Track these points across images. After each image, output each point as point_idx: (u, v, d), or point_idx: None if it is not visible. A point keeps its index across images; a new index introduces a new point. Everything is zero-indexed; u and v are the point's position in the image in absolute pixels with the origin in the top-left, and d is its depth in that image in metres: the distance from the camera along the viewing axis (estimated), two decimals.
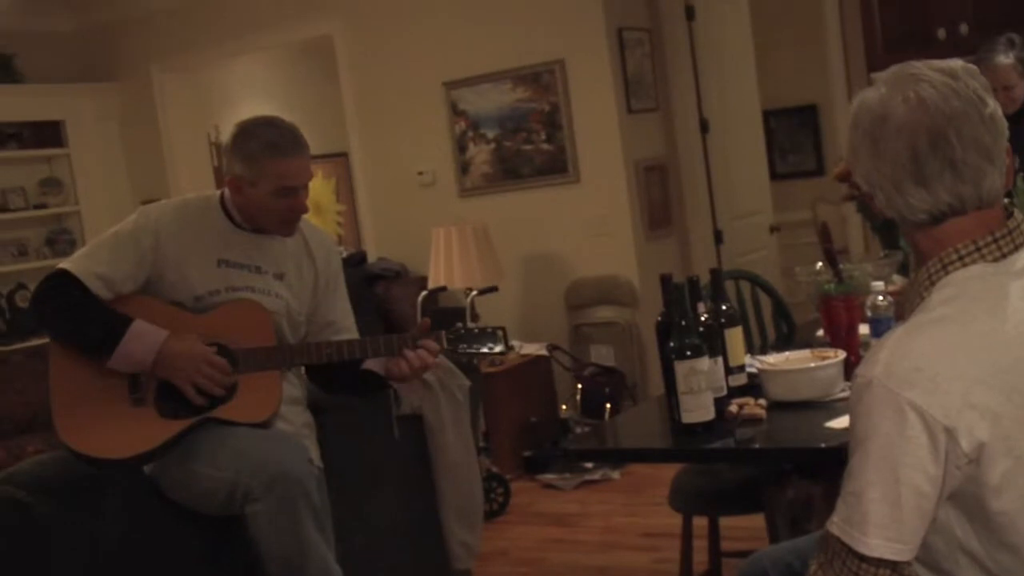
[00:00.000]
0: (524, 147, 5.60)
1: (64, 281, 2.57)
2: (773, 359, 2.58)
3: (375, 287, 5.76)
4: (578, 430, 5.11)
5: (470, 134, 5.74)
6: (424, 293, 5.28)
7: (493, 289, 5.20)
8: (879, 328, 2.56)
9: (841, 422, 2.18)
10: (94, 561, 2.49)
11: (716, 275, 2.71)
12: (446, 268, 5.20)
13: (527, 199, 5.61)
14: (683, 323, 2.36)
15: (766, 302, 3.70)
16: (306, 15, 6.14)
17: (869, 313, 2.62)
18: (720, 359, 2.50)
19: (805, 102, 7.22)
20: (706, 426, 2.35)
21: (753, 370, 2.59)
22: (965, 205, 1.45)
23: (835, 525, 1.41)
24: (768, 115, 6.88)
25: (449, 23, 5.70)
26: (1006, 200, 1.51)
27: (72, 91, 6.82)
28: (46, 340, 2.66)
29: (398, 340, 2.68)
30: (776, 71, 6.91)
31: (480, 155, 5.73)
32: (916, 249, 1.52)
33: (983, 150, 1.44)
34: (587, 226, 5.48)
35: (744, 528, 3.22)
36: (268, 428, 2.63)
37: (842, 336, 2.65)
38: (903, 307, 1.59)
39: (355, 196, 6.60)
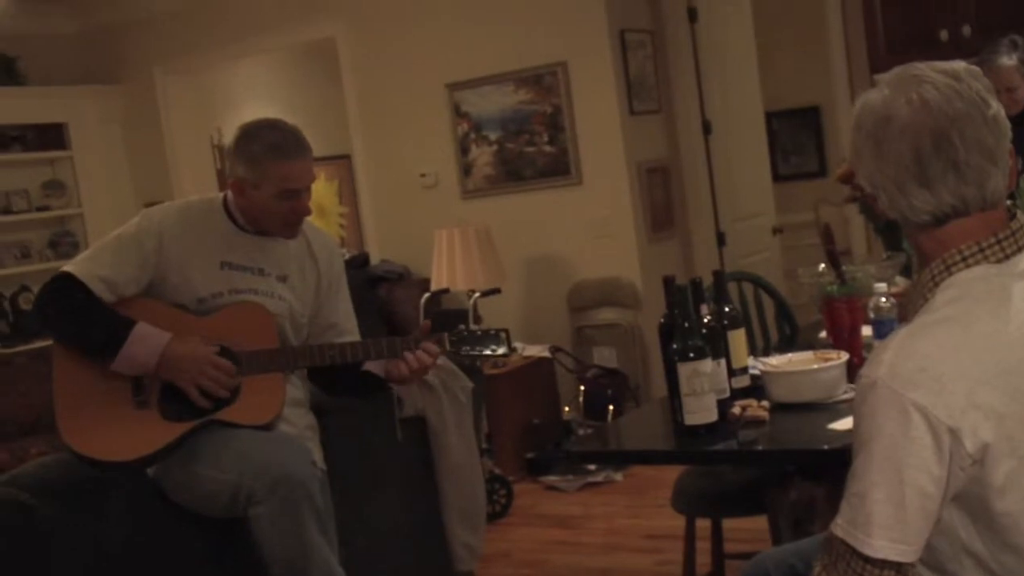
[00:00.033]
0: (526, 149, 5.60)
1: (67, 284, 2.57)
2: (776, 361, 2.58)
3: (378, 289, 5.76)
4: (581, 432, 5.11)
5: (472, 136, 5.75)
6: (427, 295, 5.28)
7: (496, 291, 5.20)
8: (882, 330, 2.56)
9: (844, 424, 2.18)
10: (97, 563, 2.50)
11: (719, 277, 2.70)
12: (449, 270, 5.20)
13: (529, 201, 5.62)
14: (686, 325, 2.36)
15: (769, 304, 3.70)
16: (309, 17, 6.15)
17: (872, 315, 2.62)
18: (723, 361, 2.49)
19: (808, 104, 7.22)
20: (709, 428, 2.34)
21: (756, 372, 2.59)
22: (968, 206, 1.45)
23: (839, 527, 1.41)
24: (771, 117, 6.89)
25: (451, 25, 5.70)
26: (1009, 202, 1.51)
27: (75, 93, 6.83)
28: (50, 342, 2.66)
29: (400, 342, 2.68)
30: (778, 73, 6.91)
31: (482, 157, 5.73)
32: (919, 250, 1.52)
33: (986, 151, 1.44)
34: (589, 228, 5.48)
35: (747, 530, 3.22)
36: (271, 430, 2.63)
37: (845, 338, 2.65)
38: (906, 308, 1.59)
39: (358, 198, 6.61)
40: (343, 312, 2.89)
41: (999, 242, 1.46)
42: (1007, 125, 1.47)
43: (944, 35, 4.48)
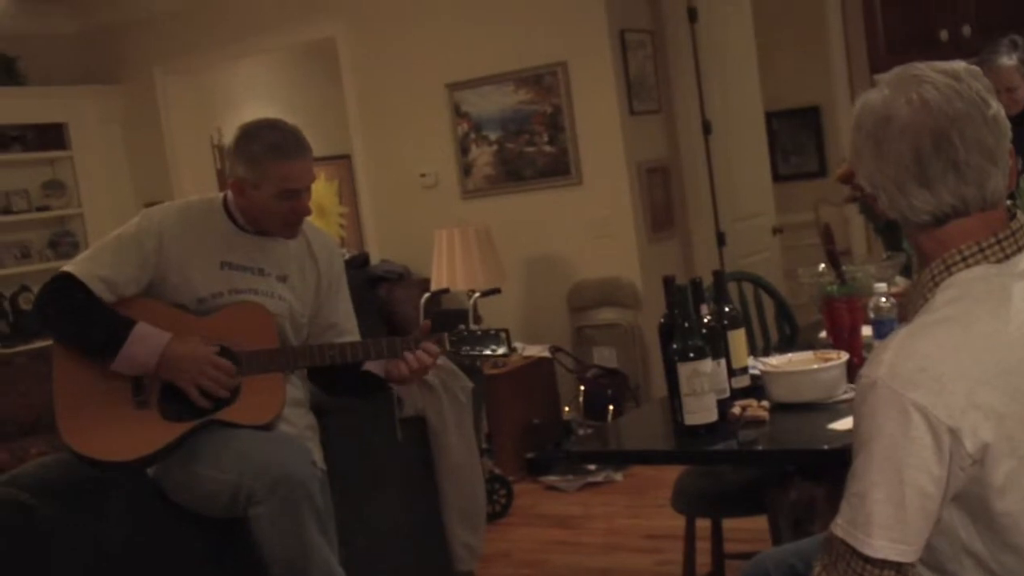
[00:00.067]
0: (526, 149, 5.60)
1: (67, 284, 2.57)
2: (776, 361, 2.58)
3: (378, 289, 5.76)
4: (581, 432, 5.11)
5: (472, 136, 5.75)
6: (427, 295, 5.28)
7: (496, 291, 5.20)
8: (882, 330, 2.56)
9: (844, 424, 2.18)
10: (97, 563, 2.50)
11: (719, 277, 2.70)
12: (449, 270, 5.20)
13: (529, 201, 5.62)
14: (686, 325, 2.36)
15: (769, 304, 3.70)
16: (309, 17, 6.15)
17: (872, 315, 2.62)
18: (723, 361, 2.49)
19: (807, 103, 7.22)
20: (709, 428, 2.34)
21: (756, 372, 2.59)
22: (968, 206, 1.45)
23: (839, 527, 1.41)
24: (770, 117, 6.88)
25: (451, 25, 5.70)
26: (1008, 202, 1.51)
27: (75, 93, 6.83)
28: (50, 342, 2.66)
29: (400, 343, 2.68)
30: (778, 72, 6.91)
31: (482, 157, 5.73)
32: (919, 250, 1.52)
33: (986, 151, 1.44)
34: (589, 228, 5.48)
35: (747, 530, 3.22)
36: (271, 430, 2.63)
37: (845, 338, 2.65)
38: (906, 308, 1.59)
39: (358, 198, 6.61)
40: (343, 312, 2.89)
41: (999, 242, 1.46)
42: (1007, 125, 1.47)
43: (944, 35, 4.48)
